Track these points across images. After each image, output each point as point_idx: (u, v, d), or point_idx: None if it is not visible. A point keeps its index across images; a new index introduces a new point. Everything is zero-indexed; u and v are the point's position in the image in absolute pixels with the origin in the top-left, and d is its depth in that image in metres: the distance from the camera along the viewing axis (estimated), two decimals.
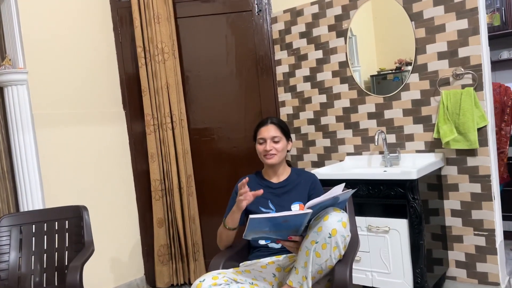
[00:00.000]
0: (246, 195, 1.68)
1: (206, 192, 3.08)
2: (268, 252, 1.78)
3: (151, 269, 3.03)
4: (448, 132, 2.31)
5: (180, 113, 2.93)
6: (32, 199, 2.46)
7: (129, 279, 3.00)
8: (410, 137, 2.51)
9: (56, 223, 2.19)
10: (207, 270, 2.89)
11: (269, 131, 1.86)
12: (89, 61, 2.83)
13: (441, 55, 2.36)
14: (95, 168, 2.82)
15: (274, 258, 1.75)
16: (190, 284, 2.99)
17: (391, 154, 2.53)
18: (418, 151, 2.49)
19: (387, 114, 2.58)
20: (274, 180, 1.90)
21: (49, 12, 2.62)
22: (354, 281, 2.22)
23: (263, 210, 1.81)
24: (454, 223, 2.41)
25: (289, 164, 1.97)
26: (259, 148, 1.88)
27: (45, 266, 2.12)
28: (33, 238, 2.15)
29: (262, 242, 1.79)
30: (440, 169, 2.41)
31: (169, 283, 3.00)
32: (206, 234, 3.04)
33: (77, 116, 2.74)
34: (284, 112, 3.02)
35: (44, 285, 2.09)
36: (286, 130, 1.91)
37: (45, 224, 2.18)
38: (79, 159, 2.73)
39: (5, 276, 2.03)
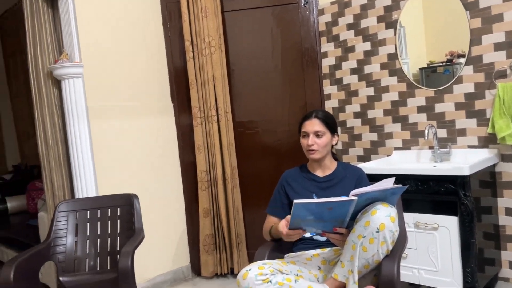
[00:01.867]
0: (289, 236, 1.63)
1: (249, 185, 3.11)
2: (313, 244, 1.78)
3: (197, 258, 3.11)
4: (504, 127, 2.20)
5: (226, 106, 2.98)
6: (86, 186, 2.59)
7: (175, 267, 3.10)
8: (462, 132, 2.42)
9: (109, 210, 2.29)
10: (250, 260, 2.93)
11: (313, 125, 1.84)
12: (140, 55, 2.92)
13: (497, 46, 2.25)
14: (145, 158, 2.93)
15: (319, 251, 1.75)
16: (233, 273, 3.04)
17: (441, 149, 2.45)
18: (470, 147, 2.40)
19: (438, 107, 2.49)
20: (320, 173, 1.89)
21: (103, 8, 2.72)
22: (401, 278, 2.18)
23: None
24: (508, 222, 2.30)
25: (335, 158, 1.95)
26: (303, 142, 1.87)
27: (98, 251, 2.23)
28: (88, 223, 2.26)
29: (307, 234, 1.79)
30: (494, 165, 2.30)
31: (214, 272, 3.07)
32: (249, 225, 3.07)
33: (129, 108, 2.84)
34: (330, 105, 2.99)
35: (98, 269, 2.20)
36: (331, 124, 1.88)
37: (99, 211, 2.29)
38: (130, 149, 2.84)
39: (63, 259, 2.16)
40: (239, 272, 1.57)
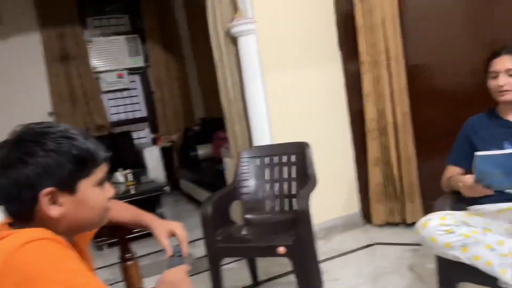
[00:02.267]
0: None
1: (425, 132, 2.91)
2: (504, 196, 1.60)
3: (367, 206, 3.12)
4: None
5: (397, 49, 2.80)
6: (263, 135, 2.80)
7: (346, 213, 3.16)
8: None
9: (284, 157, 2.46)
10: (426, 212, 2.81)
11: (504, 62, 1.60)
12: (308, 4, 2.93)
13: None
14: (315, 107, 3.00)
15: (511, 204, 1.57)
16: (405, 223, 2.96)
17: None
18: None
19: None
20: None
21: None
22: None
23: None
24: None
25: None
26: (491, 83, 1.65)
27: (277, 193, 2.44)
28: (267, 169, 2.48)
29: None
30: None
31: (385, 221, 3.04)
32: (423, 175, 2.91)
33: (298, 59, 2.91)
34: None
35: (277, 209, 2.42)
36: None
37: (275, 158, 2.47)
38: (300, 99, 2.94)
39: (247, 199, 2.43)
40: (412, 222, 1.52)
